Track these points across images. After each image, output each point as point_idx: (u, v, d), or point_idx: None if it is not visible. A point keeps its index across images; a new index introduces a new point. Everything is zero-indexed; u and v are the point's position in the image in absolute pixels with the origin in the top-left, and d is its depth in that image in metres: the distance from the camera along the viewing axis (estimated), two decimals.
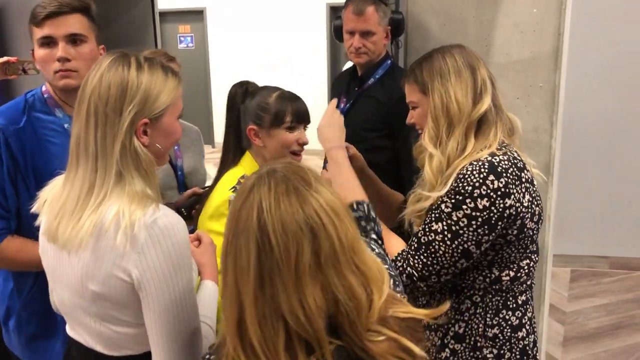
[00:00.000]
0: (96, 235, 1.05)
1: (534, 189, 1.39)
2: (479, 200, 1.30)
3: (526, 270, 1.43)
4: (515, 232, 1.35)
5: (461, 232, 1.32)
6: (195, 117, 5.07)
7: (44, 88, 1.59)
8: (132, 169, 1.07)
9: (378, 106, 2.20)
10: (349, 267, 0.84)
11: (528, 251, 1.42)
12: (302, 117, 1.57)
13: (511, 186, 1.31)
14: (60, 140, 1.52)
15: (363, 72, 2.28)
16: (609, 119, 3.95)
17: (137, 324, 1.10)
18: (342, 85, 2.43)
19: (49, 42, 1.49)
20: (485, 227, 1.31)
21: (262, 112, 1.54)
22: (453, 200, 1.32)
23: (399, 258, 1.38)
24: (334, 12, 7.48)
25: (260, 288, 0.81)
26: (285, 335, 0.80)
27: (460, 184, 1.32)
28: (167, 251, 1.04)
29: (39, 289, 1.54)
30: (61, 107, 1.56)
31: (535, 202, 1.39)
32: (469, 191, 1.30)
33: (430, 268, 1.35)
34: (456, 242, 1.33)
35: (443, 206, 1.34)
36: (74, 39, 1.50)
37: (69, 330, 1.23)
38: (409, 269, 1.36)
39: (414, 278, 1.36)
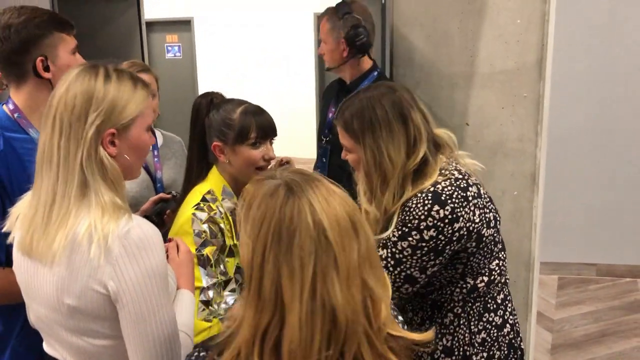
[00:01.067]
0: (69, 249, 1.04)
1: (483, 198, 1.39)
2: (425, 231, 1.31)
3: (498, 271, 1.44)
4: (474, 244, 1.37)
5: (404, 260, 1.34)
6: (182, 126, 5.04)
7: (10, 107, 1.49)
8: (98, 179, 1.06)
9: None
10: (378, 266, 0.88)
11: (494, 253, 1.43)
12: (267, 132, 1.51)
13: (458, 210, 1.31)
14: None
15: (350, 82, 2.33)
16: (594, 128, 3.99)
17: (115, 335, 1.09)
18: (331, 95, 2.49)
19: (76, 51, 1.52)
20: (431, 254, 1.33)
21: (225, 129, 1.48)
22: (400, 232, 1.34)
23: None
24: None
25: (313, 286, 0.81)
26: (321, 335, 0.81)
27: (407, 217, 1.32)
28: (142, 262, 1.03)
29: None
30: (35, 127, 1.49)
31: (487, 210, 1.39)
32: (415, 224, 1.31)
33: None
34: (399, 269, 1.35)
35: (390, 234, 1.35)
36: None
37: (46, 347, 1.20)
38: None
39: None
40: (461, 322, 1.42)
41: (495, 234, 1.42)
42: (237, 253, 1.48)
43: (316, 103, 7.58)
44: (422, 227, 1.31)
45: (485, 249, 1.40)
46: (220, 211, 1.46)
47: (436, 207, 1.31)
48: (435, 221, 1.30)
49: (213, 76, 7.92)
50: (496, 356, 1.44)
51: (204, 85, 8.03)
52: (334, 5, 2.30)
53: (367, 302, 0.85)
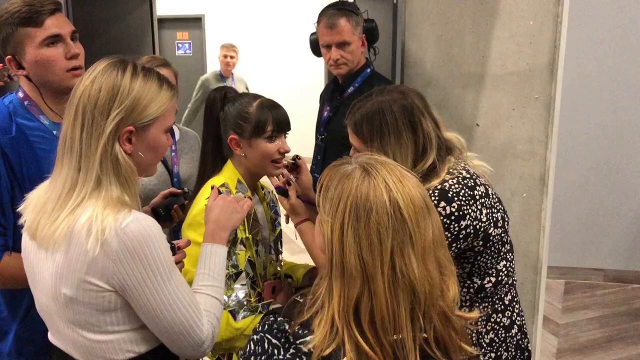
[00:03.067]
0: (69, 237, 1.04)
1: (491, 198, 1.39)
2: None
3: (505, 272, 1.44)
4: (481, 243, 1.37)
5: None
6: (192, 122, 5.08)
7: (20, 94, 1.50)
8: (111, 174, 1.07)
9: None
10: (446, 247, 0.94)
11: (502, 253, 1.43)
12: (283, 126, 1.53)
13: (465, 208, 1.31)
14: (50, 147, 1.46)
15: (343, 81, 2.33)
16: (605, 131, 3.97)
17: (117, 330, 1.09)
18: (326, 95, 2.49)
19: (53, 41, 1.43)
20: None
21: (242, 122, 1.49)
22: None
23: None
24: None
25: (391, 261, 0.86)
26: (404, 306, 0.86)
27: None
28: (143, 257, 1.03)
29: None
30: (45, 114, 1.50)
31: (495, 210, 1.39)
32: None
33: None
34: None
35: None
36: (73, 36, 1.47)
37: (50, 335, 1.20)
38: None
39: None
40: (468, 322, 1.42)
41: (503, 234, 1.42)
42: (248, 246, 1.49)
43: None
44: None
45: (493, 249, 1.39)
46: None
47: (442, 204, 1.31)
48: (442, 218, 1.30)
49: None
50: (504, 357, 1.44)
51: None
52: (332, 5, 2.26)
53: (441, 279, 0.90)
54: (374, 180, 0.89)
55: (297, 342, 0.89)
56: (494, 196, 1.42)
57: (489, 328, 1.42)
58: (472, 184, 1.36)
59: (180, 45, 8.08)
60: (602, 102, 3.90)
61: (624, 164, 4.01)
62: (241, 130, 1.50)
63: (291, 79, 7.98)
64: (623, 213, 4.06)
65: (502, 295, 1.45)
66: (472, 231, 1.33)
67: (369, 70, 2.30)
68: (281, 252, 1.68)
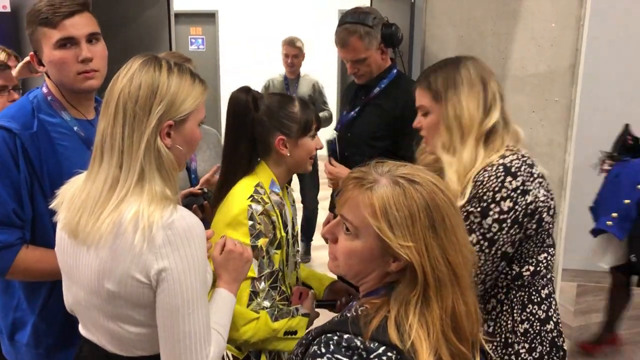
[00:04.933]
0: (115, 233, 1.06)
1: (546, 183, 1.44)
2: (502, 203, 1.33)
3: (545, 264, 1.46)
4: (534, 226, 1.39)
5: (496, 237, 1.36)
6: (205, 119, 5.09)
7: (45, 90, 1.51)
8: (154, 168, 1.08)
9: (383, 114, 2.23)
10: None
11: (545, 245, 1.45)
12: (320, 123, 1.60)
13: (527, 183, 1.36)
14: (71, 143, 1.48)
15: (371, 80, 2.29)
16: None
17: (151, 324, 1.11)
18: (349, 94, 2.47)
19: (66, 43, 1.43)
20: (516, 226, 1.36)
21: (289, 122, 1.52)
22: (479, 209, 1.35)
23: None
24: None
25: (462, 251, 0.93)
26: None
27: (481, 191, 1.35)
28: (183, 253, 1.05)
29: (57, 297, 1.47)
30: (67, 110, 1.51)
31: (550, 196, 1.43)
32: (491, 197, 1.34)
33: (476, 278, 1.37)
34: (494, 248, 1.36)
35: (471, 217, 1.36)
36: (91, 38, 1.47)
37: (81, 329, 1.23)
38: None
39: None
40: (504, 308, 1.44)
41: (551, 224, 1.44)
42: (284, 245, 1.51)
43: (337, 97, 7.56)
44: (497, 198, 1.33)
45: (539, 237, 1.42)
46: (271, 204, 1.48)
47: (509, 178, 1.34)
48: (509, 192, 1.33)
49: (235, 70, 7.95)
50: (538, 350, 1.44)
51: (227, 79, 8.07)
52: (345, 20, 2.18)
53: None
54: (420, 186, 0.92)
55: (371, 356, 0.87)
56: (549, 185, 1.45)
57: (523, 317, 1.44)
58: (531, 162, 1.40)
59: (193, 40, 8.09)
60: (623, 104, 3.88)
61: None
62: (288, 131, 1.52)
63: (309, 75, 7.98)
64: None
65: (539, 288, 1.46)
66: (533, 208, 1.36)
67: (395, 71, 2.27)
68: (298, 251, 1.70)
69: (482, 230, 1.36)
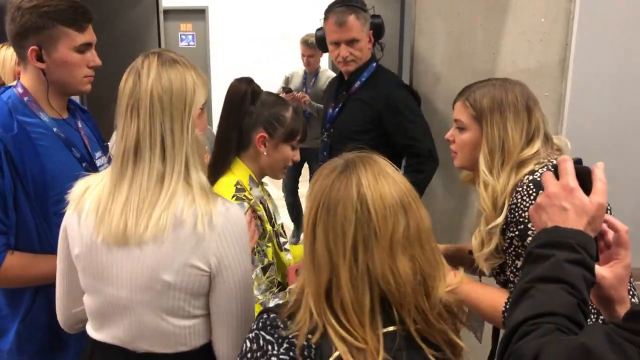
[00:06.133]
0: (173, 225, 1.10)
1: None
2: None
3: None
4: None
5: None
6: None
7: (20, 90, 1.49)
8: (196, 157, 1.14)
9: (365, 107, 2.27)
10: (429, 247, 0.95)
11: None
12: (304, 138, 1.60)
13: None
14: (50, 143, 1.47)
15: (349, 76, 2.34)
16: (616, 129, 3.94)
17: (200, 315, 1.17)
18: (331, 91, 2.50)
19: (86, 48, 1.49)
20: None
21: (277, 124, 1.52)
22: (517, 232, 1.33)
23: (506, 308, 1.35)
24: None
25: (354, 253, 0.91)
26: (370, 299, 0.91)
27: (516, 213, 1.33)
28: (240, 240, 1.14)
29: (40, 303, 1.48)
30: (44, 111, 1.50)
31: None
32: (526, 217, 1.30)
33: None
34: None
35: (514, 242, 1.34)
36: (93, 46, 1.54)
37: (96, 332, 1.22)
38: None
39: None
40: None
41: None
42: (273, 238, 1.53)
43: None
44: None
45: None
46: (255, 200, 1.48)
47: (542, 192, 1.30)
48: None
49: (226, 66, 7.92)
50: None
51: (217, 75, 8.04)
52: (339, 1, 2.27)
53: (418, 277, 0.92)
54: (349, 176, 0.93)
55: (290, 336, 0.93)
56: None
57: None
58: None
59: (183, 37, 8.05)
60: (614, 99, 3.87)
61: (635, 160, 3.99)
62: (273, 131, 1.52)
63: (296, 71, 7.96)
64: (634, 209, 4.05)
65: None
66: None
67: (374, 64, 2.33)
68: (286, 241, 1.70)
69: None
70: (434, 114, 2.39)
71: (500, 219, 1.35)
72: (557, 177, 0.92)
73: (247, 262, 1.16)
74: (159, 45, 3.72)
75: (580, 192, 0.90)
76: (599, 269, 0.89)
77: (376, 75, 2.31)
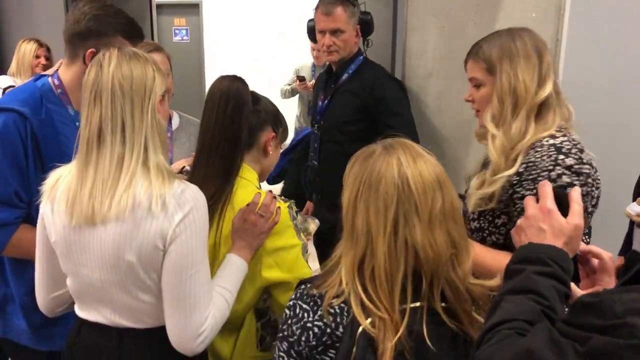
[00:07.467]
0: (132, 207, 1.15)
1: (594, 171, 1.37)
2: (558, 180, 1.30)
3: None
4: None
5: None
6: (188, 110, 5.03)
7: (56, 81, 1.58)
8: (156, 140, 1.19)
9: (353, 98, 2.32)
10: (460, 223, 1.04)
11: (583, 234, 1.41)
12: (284, 139, 1.56)
13: (577, 166, 1.31)
14: (71, 135, 1.47)
15: (337, 69, 2.39)
16: (608, 124, 3.96)
17: (160, 293, 1.21)
18: (320, 84, 2.54)
19: None
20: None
21: (279, 125, 1.48)
22: (534, 190, 1.29)
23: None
24: None
25: (394, 226, 0.98)
26: (404, 271, 0.98)
27: (534, 172, 1.32)
28: (192, 218, 1.17)
29: None
30: (72, 105, 1.58)
31: (596, 185, 1.37)
32: (545, 177, 1.30)
33: None
34: None
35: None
36: None
37: (82, 311, 1.29)
38: None
39: None
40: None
41: (591, 215, 1.39)
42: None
43: None
44: (553, 176, 1.30)
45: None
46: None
47: (561, 156, 1.31)
48: (564, 169, 1.30)
49: (220, 61, 7.90)
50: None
51: (211, 70, 8.02)
52: None
53: (451, 249, 1.00)
54: (388, 157, 1.01)
55: (319, 301, 1.02)
56: (596, 173, 1.39)
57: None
58: (581, 147, 1.36)
59: (177, 31, 8.02)
60: (606, 94, 3.89)
61: (627, 156, 4.01)
62: (277, 132, 1.47)
63: (291, 67, 7.95)
64: (620, 210, 4.07)
65: None
66: (583, 193, 1.28)
67: (361, 57, 2.37)
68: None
69: None
70: (425, 108, 2.40)
71: (511, 171, 1.34)
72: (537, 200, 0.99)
73: (196, 244, 1.17)
74: (152, 40, 3.72)
75: (557, 214, 0.96)
76: (579, 292, 0.96)
77: (364, 66, 2.37)
